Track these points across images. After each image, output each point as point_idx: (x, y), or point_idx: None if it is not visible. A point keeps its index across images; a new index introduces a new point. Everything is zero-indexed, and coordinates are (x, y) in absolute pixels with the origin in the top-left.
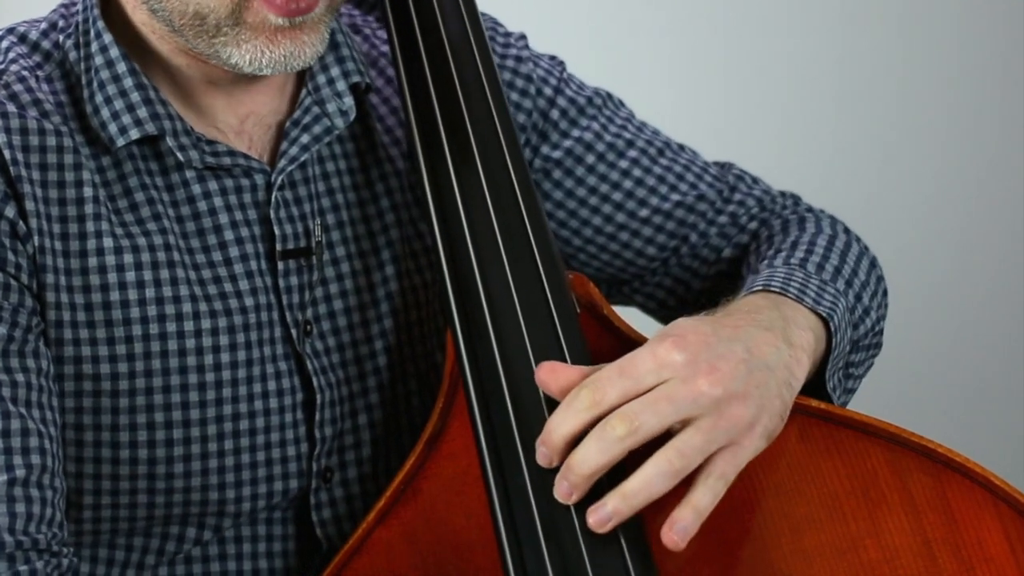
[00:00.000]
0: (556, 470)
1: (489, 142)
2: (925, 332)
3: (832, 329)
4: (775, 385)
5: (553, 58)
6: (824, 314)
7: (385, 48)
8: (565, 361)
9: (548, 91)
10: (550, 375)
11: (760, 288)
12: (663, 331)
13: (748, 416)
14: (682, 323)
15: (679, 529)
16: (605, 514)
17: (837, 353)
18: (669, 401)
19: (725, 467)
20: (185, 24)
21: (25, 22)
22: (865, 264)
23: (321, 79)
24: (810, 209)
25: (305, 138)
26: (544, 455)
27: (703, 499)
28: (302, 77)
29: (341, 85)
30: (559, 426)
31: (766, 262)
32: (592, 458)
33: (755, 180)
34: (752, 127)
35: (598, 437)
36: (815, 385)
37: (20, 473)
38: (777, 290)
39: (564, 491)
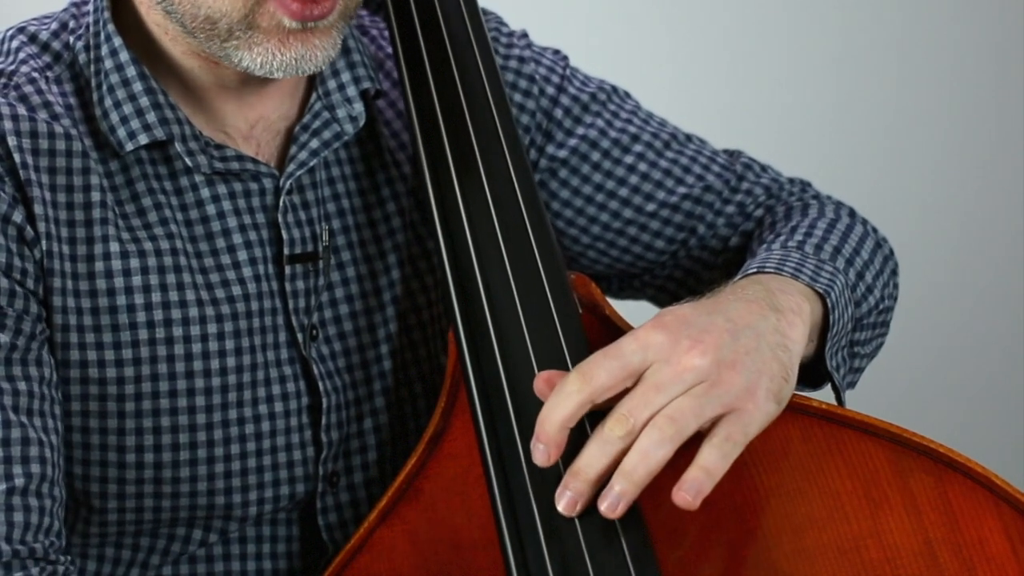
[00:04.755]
0: (557, 470)
1: (491, 144)
2: (926, 332)
3: (830, 305)
4: (767, 348)
5: (556, 53)
6: (820, 289)
7: (391, 50)
8: (566, 361)
9: (551, 90)
10: (548, 386)
11: (754, 271)
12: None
13: (742, 381)
14: (662, 310)
15: (689, 488)
16: (614, 497)
17: (837, 329)
18: (657, 390)
19: (731, 429)
20: (197, 27)
21: (35, 20)
22: (869, 244)
23: (331, 84)
24: (816, 196)
25: (315, 143)
26: (542, 452)
27: (709, 458)
28: (312, 81)
29: (351, 90)
30: (552, 412)
31: (764, 246)
32: (596, 461)
33: (764, 168)
34: (752, 127)
35: (598, 440)
36: (817, 364)
37: (19, 482)
38: (771, 270)
39: (569, 501)
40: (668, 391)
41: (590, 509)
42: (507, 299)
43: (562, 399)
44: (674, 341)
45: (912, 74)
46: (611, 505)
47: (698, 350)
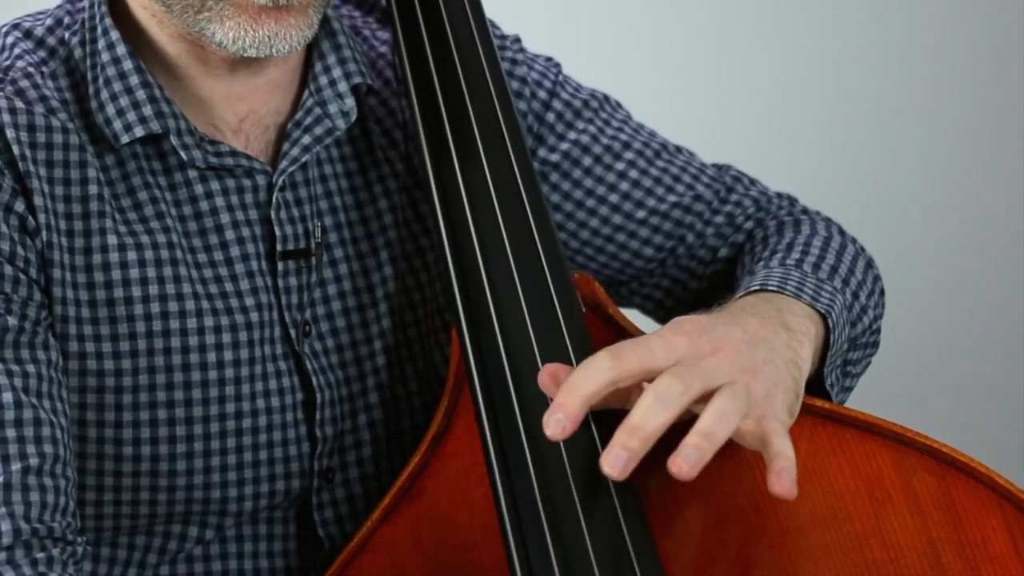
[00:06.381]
0: (562, 469)
1: (494, 141)
2: (928, 332)
3: (830, 325)
4: (781, 362)
5: (548, 60)
6: (822, 310)
7: (383, 50)
8: (570, 360)
9: (543, 94)
10: (553, 379)
11: (757, 288)
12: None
13: (762, 389)
14: (678, 318)
15: (785, 475)
16: (692, 454)
17: (835, 349)
18: (698, 369)
19: (775, 423)
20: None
21: (29, 16)
22: (861, 264)
23: (323, 80)
24: (805, 211)
25: (307, 139)
26: (557, 423)
27: (784, 445)
28: (305, 78)
29: (343, 86)
30: (579, 384)
31: (762, 263)
32: (654, 417)
33: (752, 181)
34: (750, 129)
35: (656, 395)
36: (814, 384)
37: (34, 462)
38: (774, 289)
39: (617, 460)
40: (705, 376)
41: (594, 509)
42: (511, 298)
43: (592, 372)
44: (695, 345)
45: (912, 74)
46: (690, 464)
47: (720, 357)
